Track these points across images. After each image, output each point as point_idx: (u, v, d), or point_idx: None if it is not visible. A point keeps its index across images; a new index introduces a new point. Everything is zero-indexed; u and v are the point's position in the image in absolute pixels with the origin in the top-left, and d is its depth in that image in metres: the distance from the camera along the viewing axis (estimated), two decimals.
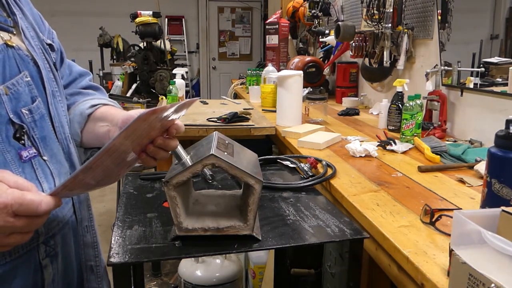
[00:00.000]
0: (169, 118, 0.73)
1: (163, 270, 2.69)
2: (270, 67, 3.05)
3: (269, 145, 2.53)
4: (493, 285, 0.48)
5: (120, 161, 0.70)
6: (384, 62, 2.18)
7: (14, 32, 0.76)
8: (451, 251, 0.58)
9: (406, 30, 2.08)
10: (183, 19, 7.52)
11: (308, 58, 2.99)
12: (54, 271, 0.77)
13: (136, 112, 0.81)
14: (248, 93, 3.17)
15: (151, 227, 0.87)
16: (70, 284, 0.83)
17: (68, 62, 0.97)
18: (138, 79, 4.73)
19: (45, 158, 0.74)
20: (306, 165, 1.28)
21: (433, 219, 0.90)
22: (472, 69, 1.70)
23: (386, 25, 2.11)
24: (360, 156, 1.46)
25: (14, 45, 0.73)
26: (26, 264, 0.72)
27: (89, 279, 0.89)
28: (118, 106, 0.96)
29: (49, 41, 0.85)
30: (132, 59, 4.68)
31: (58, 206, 0.62)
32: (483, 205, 0.84)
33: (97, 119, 0.89)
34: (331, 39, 2.89)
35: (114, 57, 5.85)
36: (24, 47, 0.76)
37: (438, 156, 1.41)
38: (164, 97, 2.81)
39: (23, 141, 0.71)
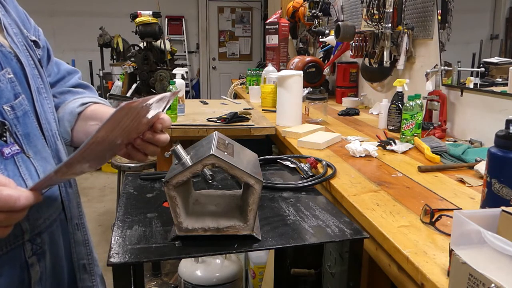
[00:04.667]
0: (154, 113, 0.73)
1: (163, 270, 2.69)
2: (270, 67, 3.05)
3: (269, 145, 2.53)
4: (493, 285, 0.48)
5: (107, 152, 0.70)
6: (384, 62, 2.18)
7: None
8: (451, 251, 0.58)
9: (406, 30, 2.08)
10: (183, 19, 7.52)
11: (308, 58, 2.99)
12: (41, 270, 0.76)
13: None
14: (248, 93, 3.17)
15: (151, 227, 0.87)
16: (60, 283, 0.82)
17: (55, 60, 0.97)
18: (138, 79, 4.73)
19: (29, 155, 0.74)
20: (306, 165, 1.28)
21: (433, 219, 0.90)
22: (472, 69, 1.70)
23: (386, 25, 2.11)
24: (360, 156, 1.46)
25: None
26: (11, 263, 0.72)
27: (82, 278, 0.88)
28: (108, 104, 0.96)
29: (33, 38, 0.84)
30: (132, 59, 4.68)
31: (38, 200, 0.61)
32: (483, 205, 0.84)
33: (88, 118, 0.89)
34: (331, 39, 2.89)
35: (114, 57, 5.85)
36: (7, 44, 0.75)
37: (438, 156, 1.41)
38: None
39: (5, 138, 0.70)
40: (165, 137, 0.77)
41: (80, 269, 0.88)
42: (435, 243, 0.83)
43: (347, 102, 2.74)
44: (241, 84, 4.06)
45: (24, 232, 0.73)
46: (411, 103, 1.63)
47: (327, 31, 3.13)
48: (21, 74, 0.76)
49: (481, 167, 1.20)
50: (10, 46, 0.76)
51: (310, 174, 1.23)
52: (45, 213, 0.78)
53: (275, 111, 2.18)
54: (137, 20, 4.50)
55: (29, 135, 0.75)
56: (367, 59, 2.50)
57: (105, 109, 0.90)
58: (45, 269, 0.78)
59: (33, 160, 0.74)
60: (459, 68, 1.79)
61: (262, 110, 2.54)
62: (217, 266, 1.92)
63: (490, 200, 0.81)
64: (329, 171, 1.26)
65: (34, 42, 0.84)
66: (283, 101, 2.04)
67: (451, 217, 0.64)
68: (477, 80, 1.67)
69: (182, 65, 6.07)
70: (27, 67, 0.77)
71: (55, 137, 0.82)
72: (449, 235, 0.83)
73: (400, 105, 1.83)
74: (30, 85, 0.77)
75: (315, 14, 3.32)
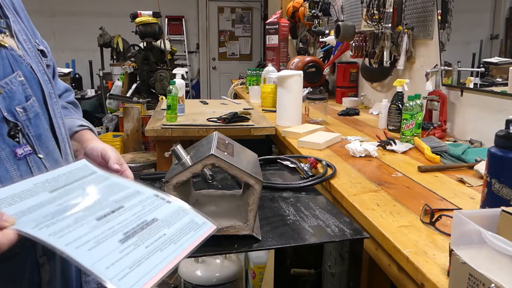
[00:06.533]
0: None
1: None
2: (270, 67, 3.05)
3: (269, 145, 2.53)
4: (493, 285, 0.48)
5: None
6: (384, 62, 2.18)
7: (7, 34, 0.76)
8: (451, 251, 0.58)
9: (406, 30, 2.08)
10: (183, 19, 7.51)
11: (308, 58, 2.99)
12: (51, 270, 0.77)
13: (106, 148, 0.84)
14: (248, 93, 3.17)
15: None
16: (68, 284, 0.83)
17: (56, 77, 1.00)
18: (138, 79, 4.73)
19: (40, 156, 0.75)
20: (306, 165, 1.28)
21: (433, 219, 0.90)
22: (472, 69, 1.70)
23: (386, 25, 2.11)
24: (360, 156, 1.46)
25: (7, 45, 0.74)
26: (22, 263, 0.72)
27: (88, 280, 0.88)
28: (95, 132, 1.00)
29: (41, 47, 0.86)
30: (132, 59, 4.69)
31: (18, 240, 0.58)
32: (483, 205, 0.84)
33: (75, 138, 0.93)
34: (331, 39, 2.89)
35: (114, 57, 5.85)
36: (17, 49, 0.77)
37: (438, 156, 1.41)
38: (164, 97, 2.81)
39: (17, 139, 0.71)
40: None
41: None
42: (435, 243, 0.83)
43: (347, 102, 2.74)
44: (241, 84, 4.06)
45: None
46: (411, 103, 1.63)
47: (327, 31, 3.13)
48: (31, 78, 0.77)
49: (481, 167, 1.20)
50: (20, 51, 0.77)
51: (310, 174, 1.23)
52: None
53: (275, 111, 2.18)
54: (137, 20, 4.50)
55: (41, 137, 0.76)
56: (367, 59, 2.50)
57: (91, 137, 0.94)
58: (54, 269, 0.78)
59: (44, 161, 0.75)
60: (459, 68, 1.79)
61: (262, 110, 2.54)
62: (217, 266, 1.92)
63: (490, 200, 0.81)
64: (329, 171, 1.26)
65: (41, 51, 0.86)
66: (283, 101, 2.04)
67: (451, 217, 0.64)
68: (477, 80, 1.67)
69: (182, 65, 6.08)
70: (38, 73, 0.79)
71: (64, 140, 0.84)
72: (449, 235, 0.83)
73: (400, 105, 1.83)
74: (43, 89, 0.78)
75: (315, 14, 3.32)
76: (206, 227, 0.59)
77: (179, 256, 0.53)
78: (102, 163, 0.81)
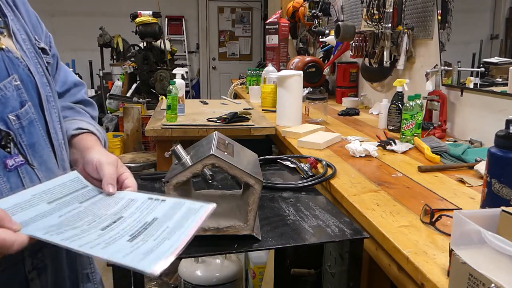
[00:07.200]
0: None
1: (163, 270, 2.69)
2: (270, 67, 3.05)
3: (269, 145, 2.53)
4: (493, 285, 0.48)
5: None
6: (384, 62, 2.18)
7: (5, 34, 0.73)
8: (451, 251, 0.58)
9: (406, 30, 2.08)
10: (183, 19, 7.52)
11: (308, 58, 2.99)
12: (42, 284, 0.74)
13: (102, 161, 0.75)
14: (248, 93, 3.17)
15: None
16: None
17: (64, 69, 0.94)
18: (138, 79, 4.73)
19: (33, 165, 0.71)
20: (306, 165, 1.28)
21: (433, 219, 0.90)
22: (472, 69, 1.70)
23: (386, 25, 2.11)
24: (360, 156, 1.46)
25: (3, 47, 0.71)
26: (10, 279, 0.69)
27: None
28: (103, 136, 0.91)
29: (42, 45, 0.82)
30: (132, 59, 4.69)
31: (31, 243, 0.59)
32: (483, 205, 0.84)
33: (74, 144, 0.86)
34: (331, 39, 2.89)
35: (114, 57, 5.85)
36: (15, 50, 0.73)
37: (438, 156, 1.41)
38: (164, 97, 2.81)
39: (9, 149, 0.68)
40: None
41: (84, 279, 0.86)
42: (435, 243, 0.83)
43: (347, 102, 2.74)
44: (241, 84, 4.06)
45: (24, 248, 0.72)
46: (411, 103, 1.63)
47: (327, 31, 3.13)
48: (29, 81, 0.73)
49: (481, 167, 1.20)
50: (18, 52, 0.73)
51: (310, 174, 1.23)
52: None
53: (275, 111, 2.18)
54: (137, 20, 4.51)
55: (35, 145, 0.72)
56: (367, 59, 2.50)
57: (91, 144, 0.85)
58: (46, 283, 0.75)
59: (37, 171, 0.72)
60: (459, 68, 1.79)
61: (262, 110, 2.54)
62: (217, 266, 1.92)
63: (490, 200, 0.81)
64: (329, 171, 1.26)
65: (42, 49, 0.82)
66: (283, 101, 2.04)
67: (451, 217, 0.64)
68: (477, 80, 1.67)
69: (182, 65, 6.08)
70: (36, 75, 0.75)
71: (61, 147, 0.80)
72: (449, 235, 0.83)
73: (400, 105, 1.83)
74: (40, 93, 0.75)
75: (315, 14, 3.32)
76: (204, 209, 0.62)
77: (187, 237, 0.57)
78: (99, 177, 0.73)
